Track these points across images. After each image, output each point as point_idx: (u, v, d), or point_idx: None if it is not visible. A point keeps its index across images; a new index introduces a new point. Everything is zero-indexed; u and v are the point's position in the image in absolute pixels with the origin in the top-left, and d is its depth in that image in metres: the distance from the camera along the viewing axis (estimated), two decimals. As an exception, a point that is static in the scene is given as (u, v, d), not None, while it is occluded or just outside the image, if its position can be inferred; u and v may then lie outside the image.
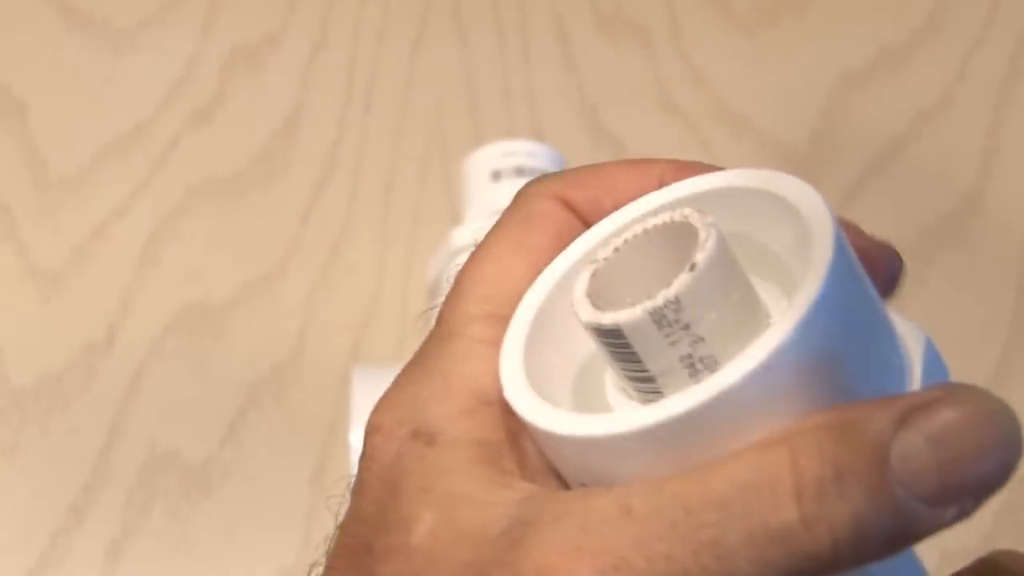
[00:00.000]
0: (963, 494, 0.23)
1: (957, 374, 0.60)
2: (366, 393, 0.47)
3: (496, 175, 0.51)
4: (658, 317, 0.23)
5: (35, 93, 0.60)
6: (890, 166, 0.60)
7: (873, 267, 0.27)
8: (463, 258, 0.29)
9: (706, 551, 0.22)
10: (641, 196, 0.26)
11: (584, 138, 0.60)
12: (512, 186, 0.51)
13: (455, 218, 0.55)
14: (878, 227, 0.64)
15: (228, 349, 0.54)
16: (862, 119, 0.61)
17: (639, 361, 0.23)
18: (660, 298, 0.22)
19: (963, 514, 0.23)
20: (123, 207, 0.57)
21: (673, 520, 0.22)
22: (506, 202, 0.29)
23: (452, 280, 0.28)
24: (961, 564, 0.50)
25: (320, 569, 0.27)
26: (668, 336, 0.23)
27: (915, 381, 0.25)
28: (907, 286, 0.62)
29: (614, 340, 0.23)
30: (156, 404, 0.52)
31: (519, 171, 0.51)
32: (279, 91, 0.61)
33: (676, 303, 0.22)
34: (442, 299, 0.27)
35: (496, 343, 0.26)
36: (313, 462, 0.51)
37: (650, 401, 0.24)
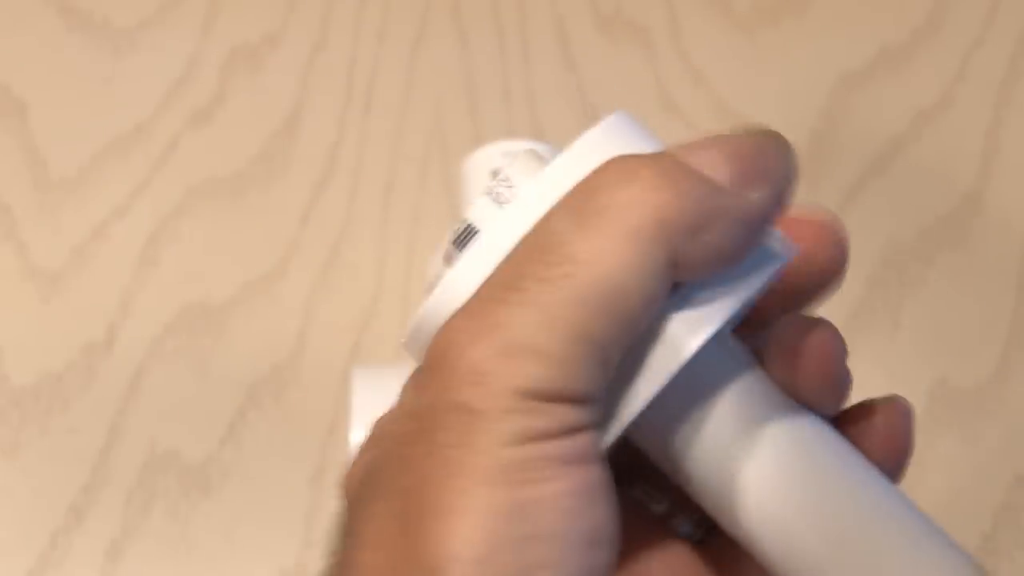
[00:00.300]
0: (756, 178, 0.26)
1: (957, 374, 0.60)
2: (366, 393, 0.47)
3: (496, 175, 0.51)
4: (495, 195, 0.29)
5: (35, 93, 0.60)
6: (890, 166, 0.60)
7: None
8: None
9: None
10: None
11: (584, 138, 0.60)
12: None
13: (455, 218, 0.55)
14: (878, 227, 0.64)
15: (228, 349, 0.54)
16: (862, 119, 0.61)
17: None
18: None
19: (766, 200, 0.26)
20: (123, 207, 0.57)
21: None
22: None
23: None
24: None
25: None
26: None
27: None
28: (907, 286, 0.62)
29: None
30: (156, 404, 0.52)
31: (519, 171, 0.51)
32: (279, 91, 0.61)
33: (507, 180, 0.30)
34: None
35: None
36: (313, 462, 0.51)
37: None
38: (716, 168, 0.26)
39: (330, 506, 0.51)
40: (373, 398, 0.47)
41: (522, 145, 0.52)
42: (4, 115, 0.59)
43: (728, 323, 0.27)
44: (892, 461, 0.29)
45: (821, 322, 0.28)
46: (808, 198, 0.64)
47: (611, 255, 0.25)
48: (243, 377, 0.53)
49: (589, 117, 0.60)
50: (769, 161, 0.26)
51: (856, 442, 0.28)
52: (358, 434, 0.46)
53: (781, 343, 0.28)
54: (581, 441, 0.25)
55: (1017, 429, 0.53)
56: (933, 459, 0.52)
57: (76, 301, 0.55)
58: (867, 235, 0.58)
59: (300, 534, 0.50)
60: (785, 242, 0.28)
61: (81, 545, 0.49)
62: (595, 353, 0.25)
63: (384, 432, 0.26)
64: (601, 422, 0.26)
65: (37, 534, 0.50)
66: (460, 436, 0.24)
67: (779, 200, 0.26)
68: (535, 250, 0.25)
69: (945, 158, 0.60)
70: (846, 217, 0.58)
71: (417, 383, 0.26)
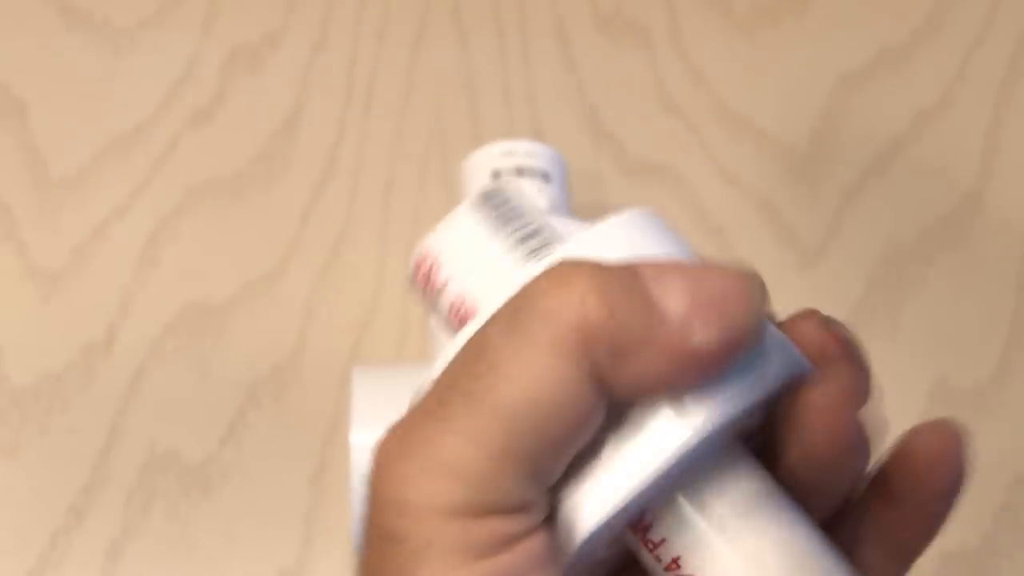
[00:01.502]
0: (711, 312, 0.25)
1: (957, 374, 0.60)
2: (366, 393, 0.47)
3: (496, 175, 0.51)
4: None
5: (35, 93, 0.60)
6: (890, 166, 0.60)
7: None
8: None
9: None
10: None
11: (584, 138, 0.60)
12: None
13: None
14: (878, 227, 0.64)
15: (228, 349, 0.54)
16: (862, 119, 0.61)
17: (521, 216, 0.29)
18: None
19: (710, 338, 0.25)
20: (123, 207, 0.57)
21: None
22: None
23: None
24: (960, 564, 0.50)
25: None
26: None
27: None
28: (907, 286, 0.62)
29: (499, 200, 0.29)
30: (156, 404, 0.52)
31: (519, 171, 0.51)
32: (279, 91, 0.61)
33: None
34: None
35: None
36: (313, 462, 0.51)
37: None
38: (669, 295, 0.25)
39: (330, 506, 0.51)
40: (373, 398, 0.47)
41: (523, 146, 0.52)
42: (4, 115, 0.59)
43: (724, 428, 0.26)
44: (940, 489, 0.28)
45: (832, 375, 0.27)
46: (808, 198, 0.64)
47: (532, 366, 0.24)
48: (243, 377, 0.53)
49: (589, 117, 0.61)
50: (731, 306, 0.25)
51: (898, 476, 0.27)
52: (358, 434, 0.46)
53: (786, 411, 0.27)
54: (526, 549, 0.24)
55: (1017, 429, 0.53)
56: (933, 459, 0.52)
57: (76, 301, 0.55)
58: (867, 235, 0.58)
59: (300, 534, 0.50)
60: (797, 358, 0.27)
61: (81, 545, 0.49)
62: (520, 467, 0.24)
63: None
64: (552, 520, 0.25)
65: (37, 534, 0.50)
66: (399, 570, 0.24)
67: (728, 347, 0.25)
68: (468, 356, 0.25)
69: (945, 158, 0.60)
70: (846, 217, 0.59)
71: (367, 502, 0.25)
